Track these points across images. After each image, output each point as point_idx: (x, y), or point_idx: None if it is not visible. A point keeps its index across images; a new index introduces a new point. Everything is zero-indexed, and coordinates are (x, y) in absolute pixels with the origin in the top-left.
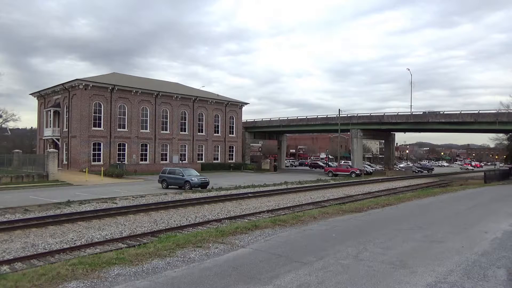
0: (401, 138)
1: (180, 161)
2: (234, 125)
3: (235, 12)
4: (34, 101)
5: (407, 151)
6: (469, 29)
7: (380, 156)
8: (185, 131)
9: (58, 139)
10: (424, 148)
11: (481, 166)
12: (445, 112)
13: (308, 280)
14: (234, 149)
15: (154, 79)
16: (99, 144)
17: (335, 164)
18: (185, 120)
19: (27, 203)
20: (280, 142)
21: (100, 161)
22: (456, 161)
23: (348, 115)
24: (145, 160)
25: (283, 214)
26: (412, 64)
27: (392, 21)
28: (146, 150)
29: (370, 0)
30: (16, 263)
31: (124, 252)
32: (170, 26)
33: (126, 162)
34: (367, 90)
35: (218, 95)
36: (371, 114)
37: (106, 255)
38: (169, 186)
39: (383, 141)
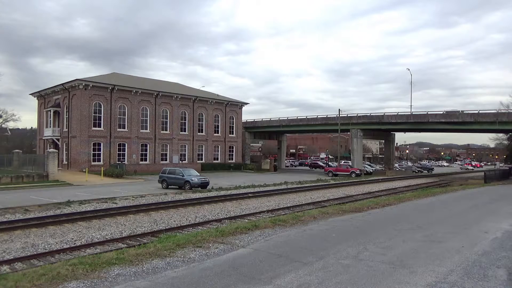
0: (401, 138)
1: (180, 161)
2: (234, 125)
3: (234, 12)
4: (34, 101)
5: (407, 151)
6: (468, 29)
7: (380, 156)
8: (185, 131)
9: (58, 139)
10: (424, 148)
11: (481, 166)
12: (445, 111)
13: (308, 280)
14: (234, 149)
15: (154, 79)
16: (99, 144)
17: (335, 164)
18: (185, 120)
19: (27, 203)
20: (280, 142)
21: (100, 161)
22: (456, 161)
23: (348, 115)
24: (145, 160)
25: (283, 214)
26: (411, 64)
27: (390, 21)
28: (146, 150)
29: (368, 0)
30: (16, 263)
31: (124, 252)
32: (169, 26)
33: (126, 162)
34: (366, 90)
35: (218, 95)
36: (371, 114)
37: (106, 255)
38: (169, 186)
39: (383, 141)
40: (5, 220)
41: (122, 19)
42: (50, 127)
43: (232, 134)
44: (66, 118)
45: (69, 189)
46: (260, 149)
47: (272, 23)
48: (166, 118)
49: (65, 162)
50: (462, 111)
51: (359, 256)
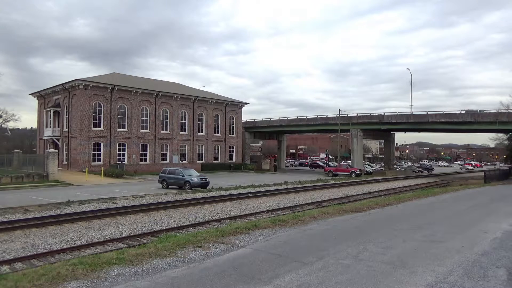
0: (401, 138)
1: (180, 161)
2: (234, 125)
3: (234, 12)
4: (34, 101)
5: (407, 151)
6: (467, 29)
7: (380, 156)
8: (185, 131)
9: (58, 139)
10: (424, 148)
11: (481, 166)
12: (445, 112)
13: (308, 280)
14: (234, 149)
15: (154, 79)
16: (99, 144)
17: (335, 164)
18: (185, 120)
19: (27, 203)
20: (280, 142)
21: (100, 161)
22: (456, 161)
23: (348, 115)
24: (145, 160)
25: (283, 214)
26: (411, 64)
27: (390, 21)
28: (146, 150)
29: (368, 0)
30: (16, 263)
31: (124, 252)
32: (169, 26)
33: (126, 162)
34: (366, 90)
35: (218, 95)
36: (371, 114)
37: (106, 255)
38: (169, 186)
39: (383, 141)
40: (5, 220)
41: (121, 19)
42: (50, 127)
43: (232, 134)
44: (66, 118)
45: (69, 189)
46: (260, 149)
47: (272, 23)
48: (166, 118)
49: (65, 162)
50: (462, 111)
51: (359, 256)
